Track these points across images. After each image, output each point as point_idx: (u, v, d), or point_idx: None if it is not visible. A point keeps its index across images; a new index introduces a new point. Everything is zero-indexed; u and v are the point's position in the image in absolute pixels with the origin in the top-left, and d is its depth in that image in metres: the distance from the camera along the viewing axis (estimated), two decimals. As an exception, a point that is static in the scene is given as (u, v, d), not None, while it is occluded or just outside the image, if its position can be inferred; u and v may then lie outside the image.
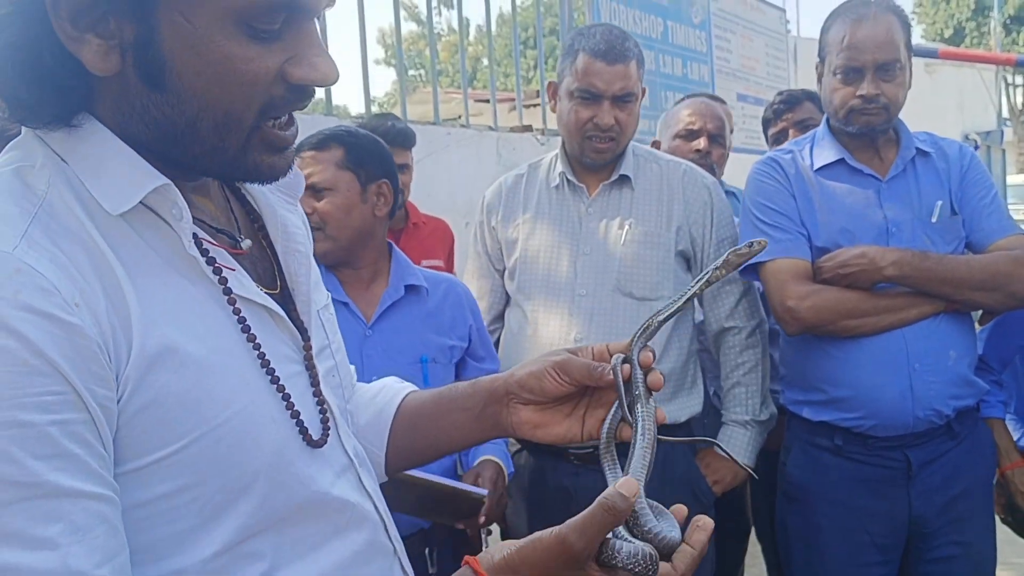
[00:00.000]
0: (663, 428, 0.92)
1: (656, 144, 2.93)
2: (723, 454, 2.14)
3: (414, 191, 3.23)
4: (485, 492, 1.80)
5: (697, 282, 0.93)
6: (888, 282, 1.94)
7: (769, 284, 2.04)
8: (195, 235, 0.79)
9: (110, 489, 0.69)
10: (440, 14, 26.04)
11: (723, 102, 3.12)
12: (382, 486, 1.01)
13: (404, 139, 3.03)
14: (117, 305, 0.72)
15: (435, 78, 5.27)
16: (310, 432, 0.84)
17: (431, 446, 1.10)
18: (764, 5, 7.91)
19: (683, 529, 0.83)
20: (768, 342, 2.28)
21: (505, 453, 2.04)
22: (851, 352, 1.99)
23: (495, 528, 2.32)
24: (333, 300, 1.06)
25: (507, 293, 2.26)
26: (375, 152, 1.93)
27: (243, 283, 0.83)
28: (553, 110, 2.22)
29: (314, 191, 1.83)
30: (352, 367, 1.07)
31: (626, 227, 2.12)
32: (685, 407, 2.13)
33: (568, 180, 2.18)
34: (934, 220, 2.01)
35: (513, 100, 6.05)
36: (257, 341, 0.81)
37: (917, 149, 2.07)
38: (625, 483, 0.79)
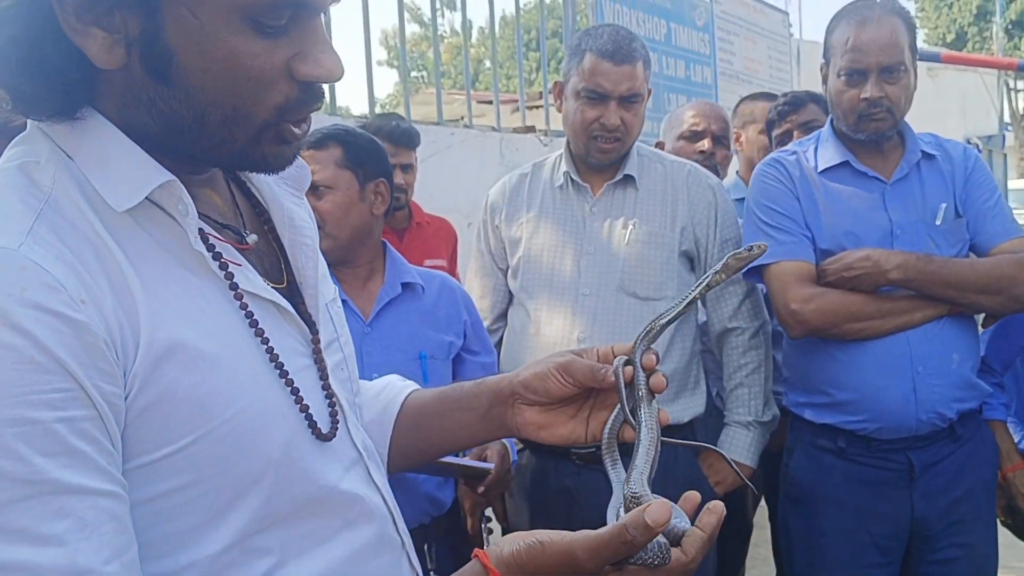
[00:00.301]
0: (666, 429, 0.92)
1: (660, 145, 2.94)
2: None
3: (417, 191, 3.23)
4: (491, 466, 1.88)
5: (697, 286, 0.93)
6: (892, 285, 1.94)
7: (773, 287, 2.03)
8: (201, 230, 0.79)
9: (118, 486, 0.69)
10: (443, 16, 26.06)
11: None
12: None
13: (408, 139, 3.04)
14: (124, 301, 0.71)
15: (438, 79, 5.28)
16: (319, 426, 0.84)
17: (435, 445, 1.10)
18: (767, 8, 7.92)
19: (692, 519, 0.83)
20: (771, 343, 2.28)
21: (511, 440, 2.05)
22: (854, 355, 1.98)
23: (496, 527, 2.33)
24: None
25: (510, 292, 2.26)
26: (373, 151, 1.95)
27: (249, 278, 0.83)
28: (559, 110, 2.21)
29: (313, 190, 1.84)
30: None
31: (630, 227, 2.12)
32: (688, 408, 2.13)
33: (572, 180, 2.18)
34: (938, 223, 2.01)
35: (516, 101, 6.06)
36: (265, 336, 0.81)
37: (922, 151, 2.06)
38: (655, 510, 0.73)
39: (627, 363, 0.93)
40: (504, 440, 1.98)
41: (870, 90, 1.97)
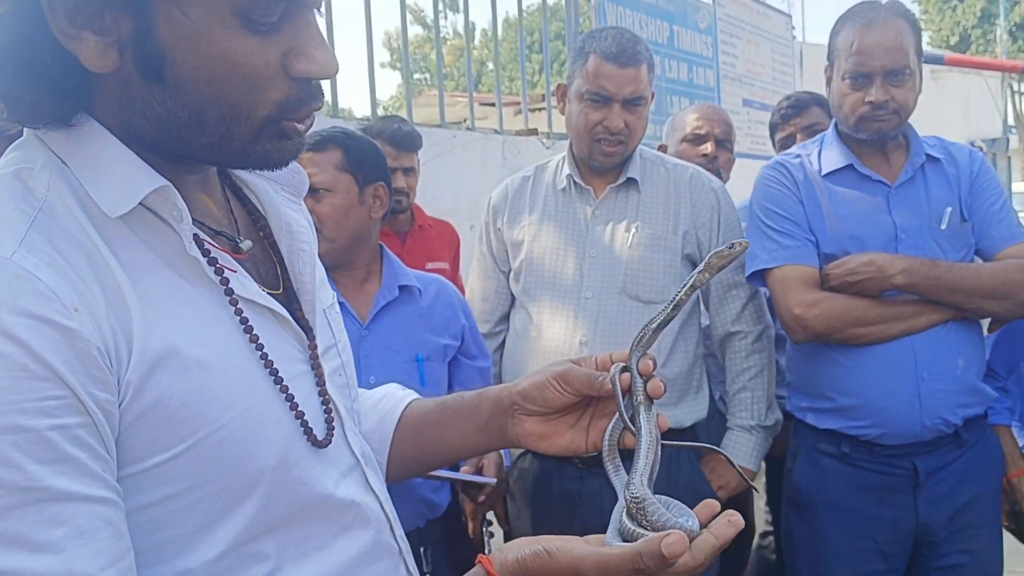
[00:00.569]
0: (667, 433, 0.91)
1: (663, 148, 2.93)
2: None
3: (420, 194, 3.23)
4: (493, 481, 1.94)
5: (683, 287, 0.93)
6: (897, 290, 1.93)
7: (776, 291, 2.02)
8: (196, 236, 0.79)
9: (113, 492, 0.68)
10: (446, 18, 26.11)
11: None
12: None
13: (410, 142, 3.03)
14: (117, 309, 0.71)
15: (441, 81, 5.28)
16: (315, 432, 0.84)
17: (435, 455, 1.09)
18: (770, 10, 7.91)
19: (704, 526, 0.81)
20: (774, 347, 2.27)
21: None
22: (858, 360, 1.97)
23: (497, 531, 2.32)
24: None
25: (512, 295, 2.25)
26: (372, 155, 1.95)
27: (245, 284, 0.82)
28: (562, 112, 2.21)
29: (312, 192, 1.83)
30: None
31: (633, 230, 2.11)
32: (690, 412, 2.12)
33: (575, 182, 2.17)
34: (943, 227, 1.99)
35: (518, 104, 6.05)
36: (260, 342, 0.80)
37: (927, 155, 2.05)
38: (673, 542, 0.72)
39: (624, 370, 0.93)
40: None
41: (875, 93, 1.96)
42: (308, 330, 0.89)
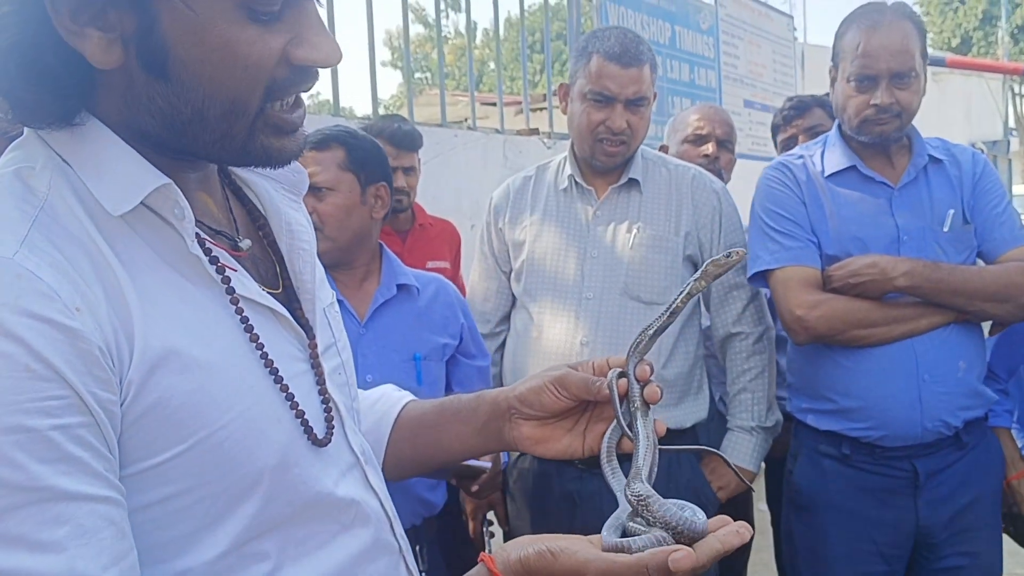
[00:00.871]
0: (668, 435, 0.91)
1: (664, 149, 2.93)
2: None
3: (421, 193, 3.23)
4: (488, 465, 1.95)
5: (679, 295, 0.93)
6: (899, 292, 1.92)
7: (778, 292, 2.02)
8: (197, 235, 0.79)
9: (116, 492, 0.68)
10: (447, 17, 26.09)
11: None
12: None
13: (410, 141, 3.03)
14: (118, 308, 0.71)
15: (442, 80, 5.27)
16: (315, 431, 0.84)
17: (431, 456, 1.09)
18: (772, 11, 7.91)
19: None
20: (775, 348, 2.27)
21: None
22: (860, 362, 1.97)
23: (497, 530, 2.32)
24: None
25: (513, 295, 2.25)
26: (375, 155, 1.95)
27: (245, 284, 0.82)
28: (564, 112, 2.21)
29: (314, 191, 1.83)
30: None
31: (634, 231, 2.11)
32: (691, 413, 2.12)
33: (576, 183, 2.17)
34: (946, 229, 1.99)
35: (520, 103, 6.05)
36: (260, 341, 0.81)
37: (929, 156, 2.05)
38: (680, 558, 0.71)
39: (621, 375, 0.93)
40: None
41: (880, 96, 1.95)
42: (308, 329, 0.89)
